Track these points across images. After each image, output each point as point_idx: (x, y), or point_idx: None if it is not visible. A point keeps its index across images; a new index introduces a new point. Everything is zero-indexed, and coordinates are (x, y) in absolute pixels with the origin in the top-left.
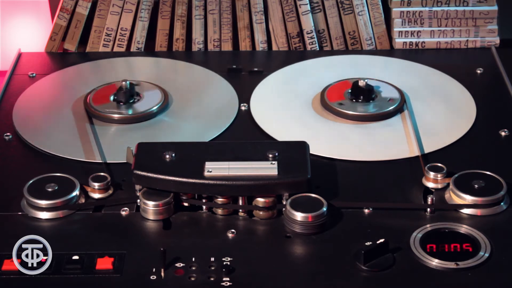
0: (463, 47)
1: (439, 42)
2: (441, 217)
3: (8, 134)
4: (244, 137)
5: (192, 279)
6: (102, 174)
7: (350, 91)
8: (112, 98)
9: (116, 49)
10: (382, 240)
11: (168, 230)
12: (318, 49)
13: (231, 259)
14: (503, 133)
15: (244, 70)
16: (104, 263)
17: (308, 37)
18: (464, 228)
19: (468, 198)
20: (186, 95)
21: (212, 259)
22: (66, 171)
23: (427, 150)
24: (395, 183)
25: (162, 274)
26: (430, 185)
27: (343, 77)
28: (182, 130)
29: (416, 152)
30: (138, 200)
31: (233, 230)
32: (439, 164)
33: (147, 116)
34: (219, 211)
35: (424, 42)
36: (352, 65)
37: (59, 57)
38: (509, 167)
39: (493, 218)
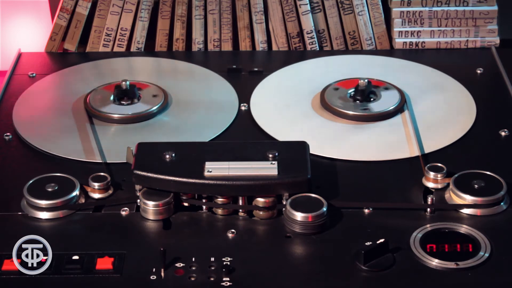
0: (463, 47)
1: (439, 42)
2: (441, 217)
3: (8, 134)
4: (244, 137)
5: (192, 279)
6: (102, 174)
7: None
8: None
9: (116, 49)
10: (382, 240)
11: (168, 230)
12: (318, 49)
13: (231, 259)
14: (503, 133)
15: (244, 70)
16: (104, 263)
17: (308, 37)
18: (464, 228)
19: (468, 198)
20: (186, 95)
21: (212, 259)
22: (66, 171)
23: (427, 150)
24: (395, 183)
25: (162, 274)
26: (430, 185)
27: (343, 77)
28: (182, 130)
29: (416, 152)
30: (138, 200)
31: (233, 230)
32: (439, 164)
33: (147, 116)
34: (219, 211)
35: (424, 42)
36: (352, 65)
37: (59, 57)
38: (509, 167)
39: (493, 218)
